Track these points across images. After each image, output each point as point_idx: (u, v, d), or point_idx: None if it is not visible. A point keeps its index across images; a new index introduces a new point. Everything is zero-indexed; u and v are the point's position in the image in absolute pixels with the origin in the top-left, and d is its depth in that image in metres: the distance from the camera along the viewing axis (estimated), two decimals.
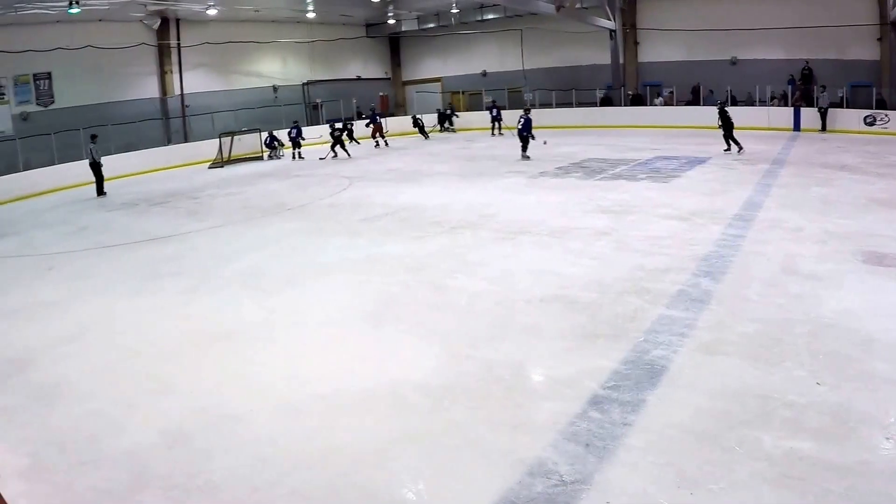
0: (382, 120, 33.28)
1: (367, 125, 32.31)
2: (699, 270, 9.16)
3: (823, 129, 26.05)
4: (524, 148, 22.92)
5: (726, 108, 22.06)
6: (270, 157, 29.19)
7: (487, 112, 34.64)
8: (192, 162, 26.85)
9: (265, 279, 10.37)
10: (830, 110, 26.06)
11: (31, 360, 7.53)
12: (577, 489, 4.44)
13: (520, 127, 22.90)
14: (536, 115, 34.27)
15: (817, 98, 26.31)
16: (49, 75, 27.83)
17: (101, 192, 21.76)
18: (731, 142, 21.39)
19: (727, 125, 21.42)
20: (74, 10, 23.80)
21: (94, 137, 22.32)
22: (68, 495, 4.73)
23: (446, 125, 36.97)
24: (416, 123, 34.99)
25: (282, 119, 32.84)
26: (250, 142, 29.67)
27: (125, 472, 4.97)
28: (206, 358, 7.31)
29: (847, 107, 26.79)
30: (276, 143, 29.49)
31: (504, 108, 33.85)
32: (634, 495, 4.36)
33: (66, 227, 15.97)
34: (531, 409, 5.62)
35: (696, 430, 5.07)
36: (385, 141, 31.58)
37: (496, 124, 33.38)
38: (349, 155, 27.09)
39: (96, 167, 21.73)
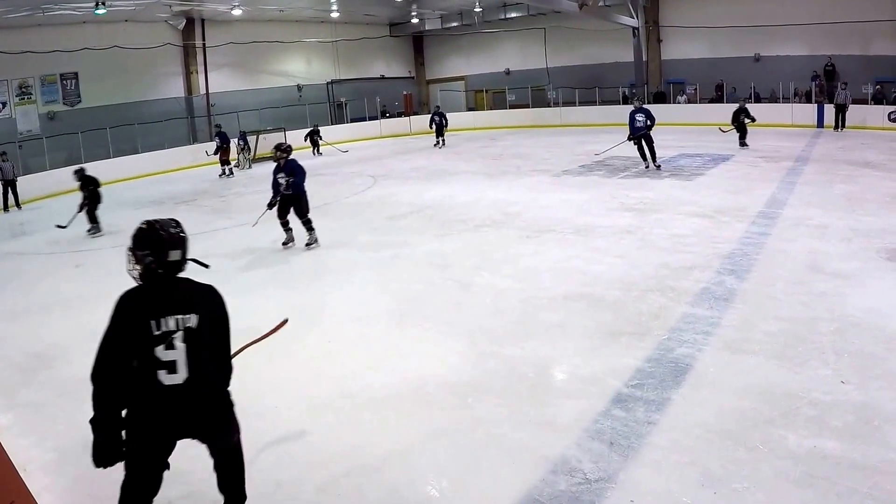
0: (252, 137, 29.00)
1: (215, 152, 25.93)
2: (723, 268, 9.13)
3: (838, 126, 25.65)
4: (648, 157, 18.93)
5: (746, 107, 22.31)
6: (226, 173, 25.35)
7: (430, 119, 30.83)
8: (216, 162, 26.89)
9: (291, 276, 10.45)
10: (854, 107, 25.69)
11: (58, 355, 7.61)
12: (600, 487, 4.45)
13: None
14: (559, 113, 34.51)
15: (836, 95, 26.04)
16: (76, 75, 28.15)
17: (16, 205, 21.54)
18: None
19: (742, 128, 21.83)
20: (101, 11, 24.10)
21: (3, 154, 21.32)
22: (92, 490, 4.78)
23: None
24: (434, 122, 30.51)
25: (306, 118, 33.03)
26: (275, 141, 29.68)
27: None
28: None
29: (871, 103, 26.56)
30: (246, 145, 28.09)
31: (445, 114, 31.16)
32: (658, 494, 4.37)
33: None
34: (555, 406, 5.64)
35: (721, 428, 5.06)
36: (230, 171, 25.60)
37: (441, 138, 29.73)
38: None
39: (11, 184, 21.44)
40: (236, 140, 27.42)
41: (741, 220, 11.81)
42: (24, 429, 5.92)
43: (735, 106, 22.49)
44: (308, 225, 12.13)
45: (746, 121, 21.75)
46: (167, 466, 3.70)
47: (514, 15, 36.44)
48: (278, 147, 12.23)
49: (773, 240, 10.45)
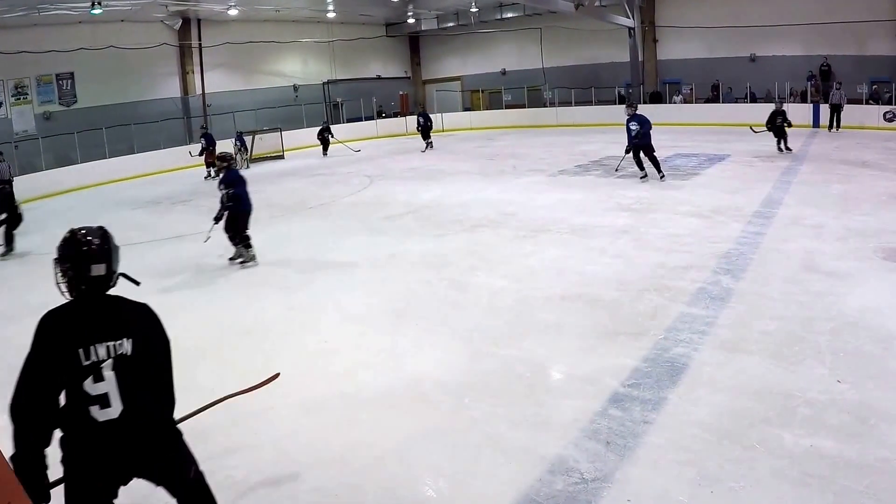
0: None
1: (200, 153, 25.38)
2: (720, 268, 9.14)
3: (832, 126, 25.63)
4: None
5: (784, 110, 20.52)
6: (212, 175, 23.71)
7: (416, 120, 29.91)
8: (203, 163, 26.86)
9: (287, 276, 10.44)
10: (849, 107, 25.69)
11: None
12: (597, 487, 4.46)
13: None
14: (555, 113, 34.53)
15: (831, 95, 26.05)
16: (72, 75, 28.11)
17: None
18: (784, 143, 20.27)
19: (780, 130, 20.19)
20: (97, 11, 24.04)
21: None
22: None
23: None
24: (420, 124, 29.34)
25: (302, 118, 33.04)
26: (271, 141, 29.77)
27: None
28: (228, 354, 7.38)
29: (873, 102, 26.61)
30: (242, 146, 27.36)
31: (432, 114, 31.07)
32: (655, 493, 4.38)
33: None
34: (552, 406, 5.65)
35: (717, 428, 5.07)
36: (217, 172, 25.44)
37: (428, 140, 28.53)
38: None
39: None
40: (233, 140, 27.39)
41: (737, 219, 11.83)
42: None
43: (771, 107, 20.96)
44: (233, 241, 11.39)
45: (784, 124, 20.08)
46: None
47: (510, 15, 36.43)
48: (219, 157, 11.77)
49: (769, 239, 10.47)
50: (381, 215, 14.64)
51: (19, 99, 26.89)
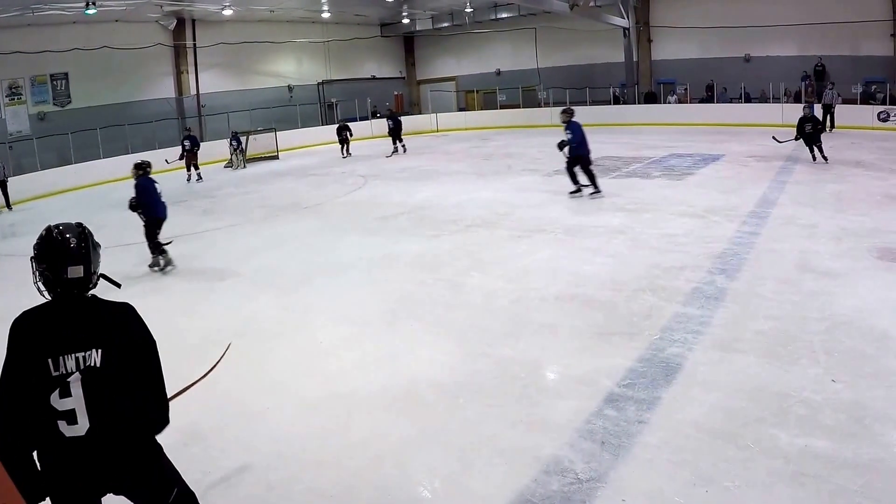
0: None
1: (181, 157, 24.25)
2: (714, 268, 9.15)
3: (825, 127, 25.44)
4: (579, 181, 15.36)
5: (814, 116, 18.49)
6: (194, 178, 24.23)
7: (386, 122, 28.46)
8: (208, 162, 26.81)
9: (281, 277, 10.42)
10: (843, 107, 25.75)
11: None
12: (592, 487, 4.46)
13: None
14: (550, 113, 34.51)
15: (824, 95, 26.08)
16: (66, 76, 28.08)
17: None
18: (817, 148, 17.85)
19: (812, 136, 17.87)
20: (91, 12, 24.00)
21: None
22: None
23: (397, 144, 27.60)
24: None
25: (297, 119, 33.05)
26: (266, 142, 29.75)
27: None
28: (219, 355, 7.36)
29: (872, 102, 26.65)
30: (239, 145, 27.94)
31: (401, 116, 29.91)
32: (649, 493, 4.38)
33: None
34: (547, 407, 5.65)
35: (712, 427, 5.07)
36: (199, 176, 24.32)
37: (399, 143, 27.38)
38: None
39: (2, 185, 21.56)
40: (228, 140, 27.39)
41: (732, 219, 11.84)
42: None
43: (798, 113, 18.73)
44: (152, 247, 11.19)
45: (811, 128, 17.83)
46: None
47: (504, 15, 36.40)
48: (135, 165, 11.54)
49: (764, 239, 10.48)
50: (376, 215, 14.62)
51: (13, 99, 26.87)
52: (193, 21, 31.96)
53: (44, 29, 26.24)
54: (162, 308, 9.28)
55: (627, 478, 4.54)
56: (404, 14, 37.17)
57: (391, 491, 4.62)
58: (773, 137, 19.03)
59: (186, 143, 24.23)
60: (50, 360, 2.92)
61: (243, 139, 27.99)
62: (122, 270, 11.40)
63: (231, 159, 27.45)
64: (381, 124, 35.77)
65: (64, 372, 2.92)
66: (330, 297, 9.28)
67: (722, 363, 6.21)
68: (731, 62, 31.19)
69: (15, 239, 15.15)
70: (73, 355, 2.94)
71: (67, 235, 3.12)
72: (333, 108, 37.33)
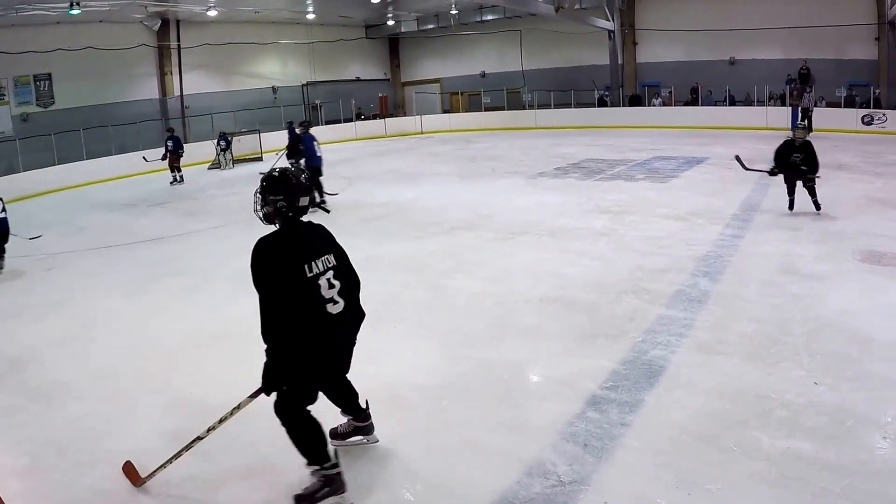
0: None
1: (164, 157, 23.90)
2: (698, 270, 9.17)
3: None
4: None
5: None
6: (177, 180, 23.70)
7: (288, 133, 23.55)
8: (193, 163, 26.68)
9: None
10: (827, 110, 25.90)
11: (30, 359, 7.54)
12: (574, 489, 4.45)
13: None
14: (534, 115, 34.53)
15: (802, 98, 26.23)
16: (49, 76, 27.89)
17: None
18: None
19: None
20: (75, 12, 23.82)
21: None
22: (66, 496, 4.74)
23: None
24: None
25: (281, 120, 32.93)
26: (250, 143, 29.62)
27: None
28: (207, 358, 7.32)
29: (844, 106, 26.80)
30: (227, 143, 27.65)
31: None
32: (632, 495, 4.37)
33: (66, 227, 15.98)
34: (530, 409, 5.63)
35: (694, 430, 5.07)
36: (181, 177, 23.79)
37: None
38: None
39: None
40: (215, 141, 27.29)
41: (715, 222, 11.88)
42: None
43: (783, 117, 15.54)
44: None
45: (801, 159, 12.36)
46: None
47: (490, 17, 36.34)
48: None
49: (747, 242, 10.51)
50: (359, 217, 14.55)
51: None
52: (178, 22, 31.75)
53: (27, 29, 26.03)
54: (145, 309, 9.24)
55: (610, 480, 4.53)
56: (389, 16, 37.14)
57: (373, 493, 4.59)
58: (737, 158, 13.74)
59: (170, 143, 23.96)
60: (305, 266, 4.15)
61: (231, 140, 27.91)
62: (104, 272, 11.36)
63: (218, 160, 27.31)
64: (365, 126, 35.84)
65: (318, 271, 4.20)
66: None
67: (705, 366, 6.21)
68: (716, 65, 31.34)
69: None
70: (319, 259, 4.24)
71: (298, 175, 4.43)
72: (318, 109, 37.23)
